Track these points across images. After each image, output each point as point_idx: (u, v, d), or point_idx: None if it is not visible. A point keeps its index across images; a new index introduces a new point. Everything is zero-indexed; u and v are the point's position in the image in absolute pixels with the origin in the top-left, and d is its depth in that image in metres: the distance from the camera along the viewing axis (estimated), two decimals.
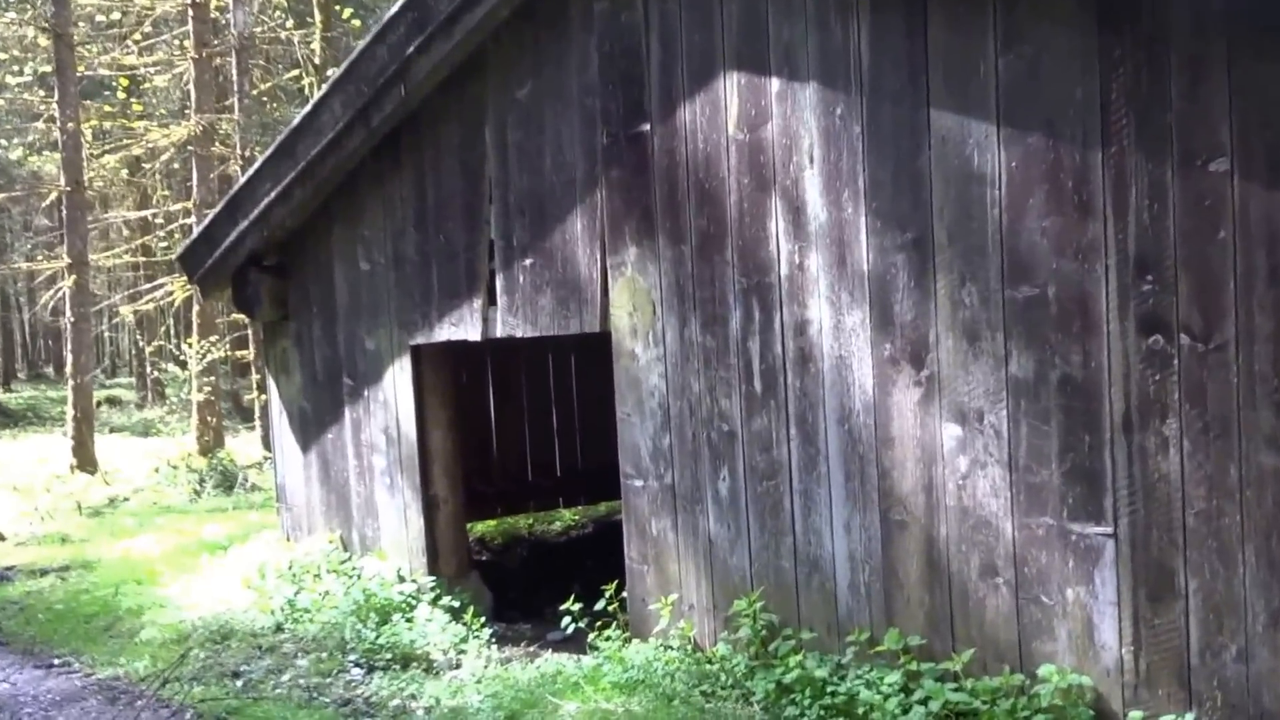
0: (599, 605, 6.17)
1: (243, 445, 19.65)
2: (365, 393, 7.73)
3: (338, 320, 7.91)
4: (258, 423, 18.09)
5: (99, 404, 29.10)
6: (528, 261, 6.41)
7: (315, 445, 8.24)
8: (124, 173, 23.89)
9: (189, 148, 18.26)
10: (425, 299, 7.17)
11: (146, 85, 22.91)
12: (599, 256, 6.01)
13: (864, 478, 4.91)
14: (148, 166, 23.20)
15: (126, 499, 14.23)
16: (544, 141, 6.28)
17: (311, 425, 8.26)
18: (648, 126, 5.70)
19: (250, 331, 17.92)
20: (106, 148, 20.74)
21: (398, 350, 7.42)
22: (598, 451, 10.52)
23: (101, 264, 22.90)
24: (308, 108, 7.43)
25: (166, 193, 24.61)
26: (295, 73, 20.00)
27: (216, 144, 17.73)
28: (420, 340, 7.24)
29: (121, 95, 22.26)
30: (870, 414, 4.85)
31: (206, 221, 8.46)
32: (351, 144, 7.26)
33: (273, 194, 7.78)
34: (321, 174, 7.52)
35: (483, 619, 7.18)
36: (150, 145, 19.72)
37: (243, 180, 8.06)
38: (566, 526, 10.55)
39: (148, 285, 20.71)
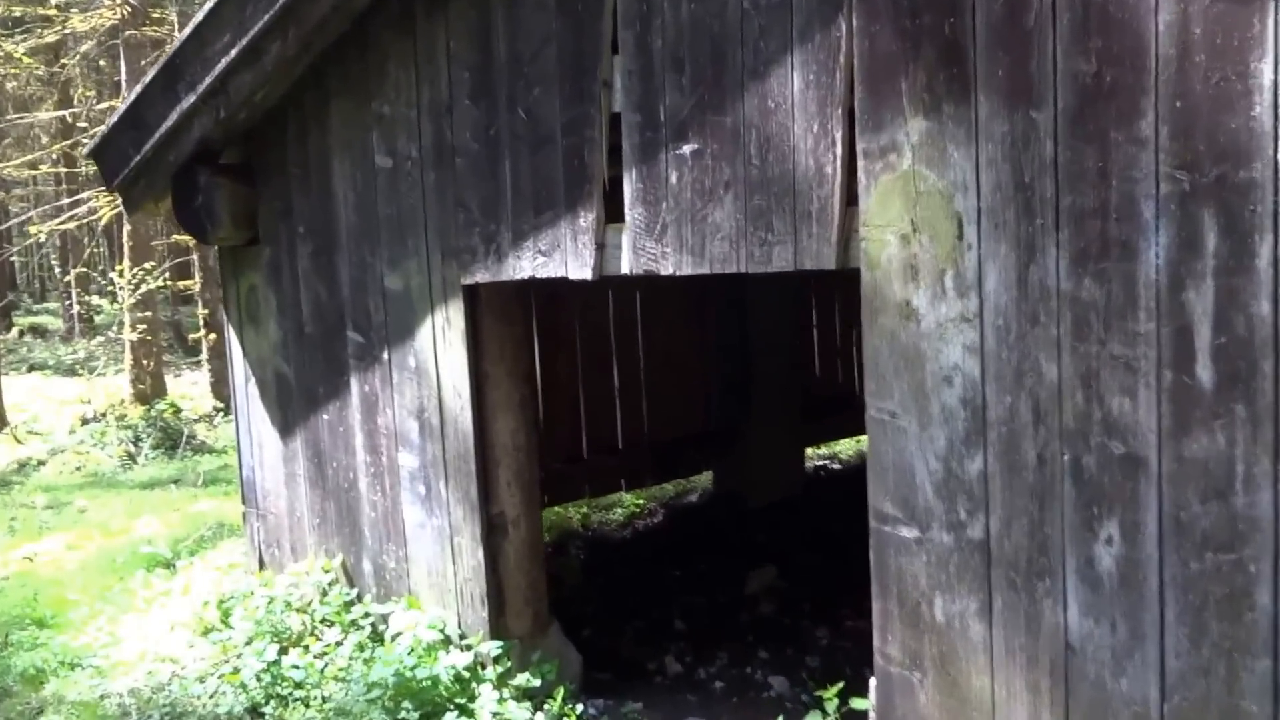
0: None
1: (187, 387, 16.84)
2: (384, 355, 5.11)
3: (338, 245, 5.25)
4: (205, 364, 15.28)
5: (21, 333, 25.98)
6: (686, 148, 3.79)
7: (302, 429, 5.61)
8: (39, 70, 20.51)
9: (117, 40, 15.21)
10: (490, 212, 4.53)
11: None
12: (837, 136, 3.42)
13: None
14: (67, 62, 19.92)
15: (42, 463, 11.48)
16: None
17: (296, 400, 5.62)
18: None
19: (195, 256, 15.03)
20: (15, 36, 17.45)
21: (440, 292, 4.79)
22: (667, 420, 8.01)
23: (13, 175, 19.67)
24: None
25: (91, 92, 21.28)
26: None
27: (149, 26, 14.62)
28: (481, 277, 4.62)
29: None
30: None
31: (132, 97, 5.67)
32: None
33: (234, 51, 5.03)
34: (313, 16, 4.80)
35: (578, 707, 4.70)
36: (69, 31, 16.56)
37: (186, 32, 5.28)
38: (629, 515, 8.04)
39: (69, 200, 17.63)
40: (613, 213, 4.12)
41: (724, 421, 8.25)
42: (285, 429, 5.70)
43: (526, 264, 4.40)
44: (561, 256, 4.26)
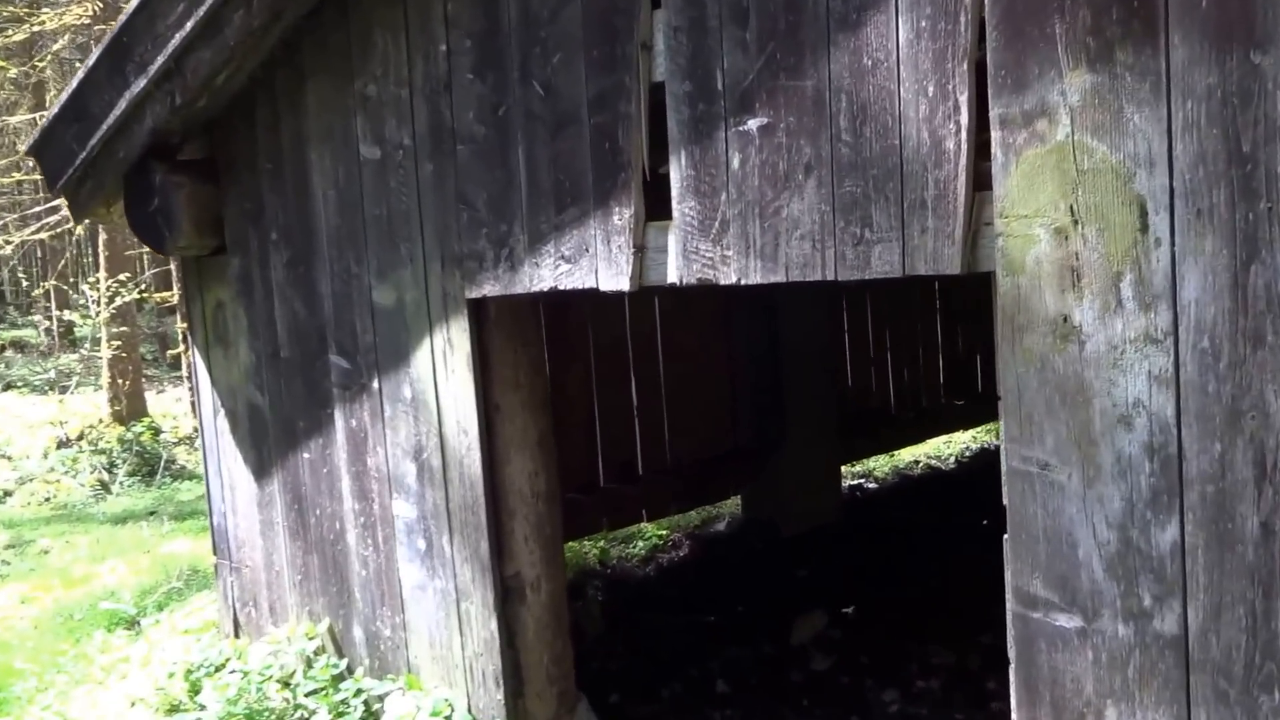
0: None
1: (170, 404, 15.97)
2: (374, 383, 4.29)
3: (318, 253, 4.43)
4: (186, 381, 14.42)
5: (3, 348, 25.08)
6: (753, 123, 2.97)
7: (279, 470, 4.79)
8: (12, 72, 19.64)
9: (91, 39, 14.41)
10: (501, 210, 3.71)
11: None
12: (961, 100, 2.60)
13: None
14: (39, 64, 19.07)
15: (9, 494, 10.65)
16: None
17: (271, 434, 4.80)
18: None
19: (173, 265, 14.17)
20: None
21: (440, 307, 3.97)
22: (691, 439, 7.19)
23: None
24: None
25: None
26: None
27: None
28: (490, 290, 3.79)
29: None
30: None
31: (74, 83, 4.85)
32: None
33: (189, 23, 4.22)
34: None
35: None
36: (38, 29, 15.74)
37: (134, 3, 4.47)
38: (652, 548, 7.21)
39: (43, 207, 16.77)
40: (656, 208, 3.31)
41: (753, 440, 7.43)
42: (260, 469, 4.88)
43: (547, 273, 3.58)
44: (590, 263, 3.44)
